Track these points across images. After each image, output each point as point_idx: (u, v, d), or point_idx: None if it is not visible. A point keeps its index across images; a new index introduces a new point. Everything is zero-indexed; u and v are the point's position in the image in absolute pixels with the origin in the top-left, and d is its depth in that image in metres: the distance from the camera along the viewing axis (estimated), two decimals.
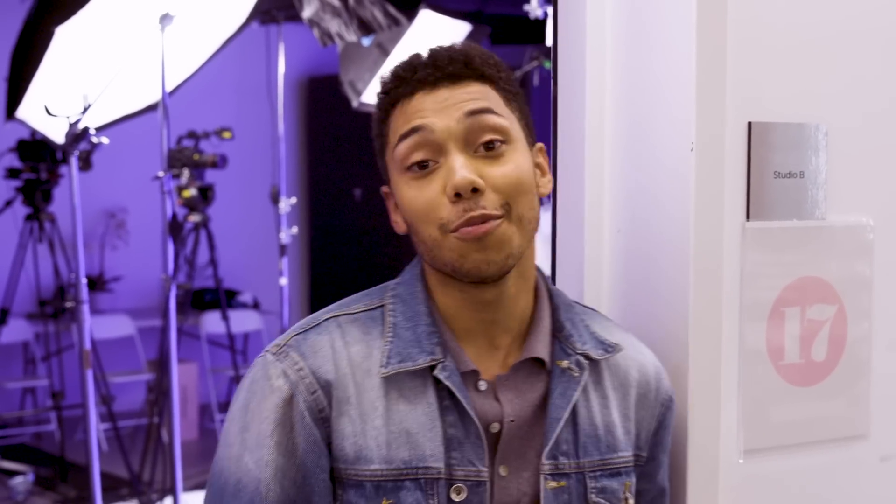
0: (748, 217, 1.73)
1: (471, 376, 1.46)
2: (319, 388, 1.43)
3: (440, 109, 1.42)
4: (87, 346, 4.53)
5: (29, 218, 6.12)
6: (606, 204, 1.81)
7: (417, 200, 1.43)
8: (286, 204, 6.61)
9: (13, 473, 6.05)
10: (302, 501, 1.41)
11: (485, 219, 1.39)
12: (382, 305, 1.51)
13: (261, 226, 7.69)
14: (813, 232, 1.79)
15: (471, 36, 6.26)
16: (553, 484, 1.47)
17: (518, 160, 1.44)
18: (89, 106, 4.43)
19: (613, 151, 1.80)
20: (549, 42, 5.37)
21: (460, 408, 1.44)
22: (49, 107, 4.42)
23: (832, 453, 1.84)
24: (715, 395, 1.68)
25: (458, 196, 1.39)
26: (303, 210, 8.62)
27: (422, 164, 1.42)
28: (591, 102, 1.80)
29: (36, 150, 5.97)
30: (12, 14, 5.35)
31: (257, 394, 1.44)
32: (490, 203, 1.40)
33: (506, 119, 1.45)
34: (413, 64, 1.46)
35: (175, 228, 5.16)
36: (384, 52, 5.81)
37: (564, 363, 1.50)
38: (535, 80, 6.22)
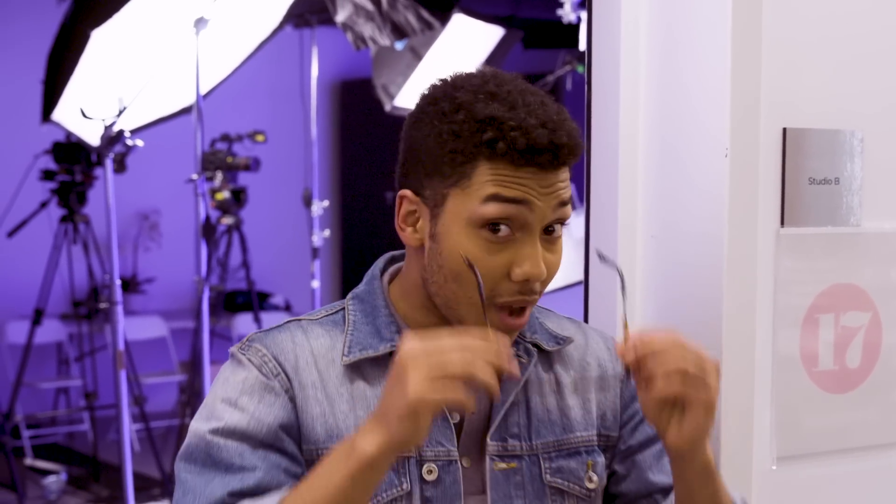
0: (782, 223, 1.73)
1: None
2: (282, 371, 1.46)
3: (544, 193, 1.40)
4: (121, 346, 4.56)
5: (63, 219, 6.16)
6: (640, 210, 1.81)
7: (479, 262, 1.40)
8: (318, 207, 6.63)
9: (46, 473, 6.09)
10: (276, 452, 1.43)
11: (525, 307, 1.44)
12: (343, 308, 1.55)
13: (293, 228, 7.71)
14: (847, 239, 1.78)
15: (503, 40, 6.26)
16: (502, 465, 1.49)
17: (562, 246, 1.47)
18: (124, 108, 4.47)
19: (647, 157, 1.80)
20: (582, 46, 5.37)
21: None
22: (85, 109, 4.45)
23: (866, 461, 1.83)
24: (748, 401, 1.67)
25: (524, 281, 1.41)
26: (335, 213, 8.63)
27: (496, 229, 1.40)
28: (624, 108, 1.80)
29: (71, 152, 6.00)
30: (49, 17, 5.39)
31: (227, 375, 1.49)
32: (538, 290, 1.44)
33: (572, 209, 1.47)
34: (534, 137, 1.38)
35: (208, 231, 5.20)
36: (417, 55, 5.82)
37: (512, 351, 1.51)
38: (568, 85, 6.21)
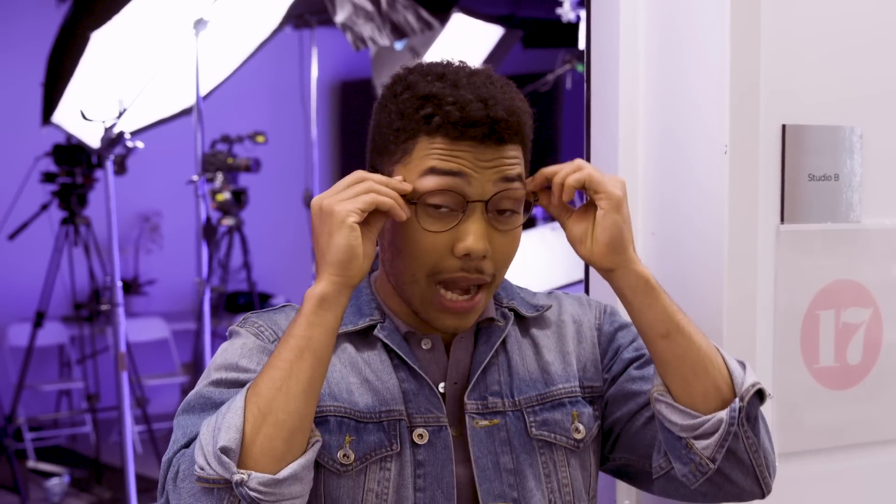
0: (782, 220, 1.73)
1: (412, 337, 1.54)
2: (278, 338, 1.48)
3: (482, 167, 1.43)
4: (123, 348, 4.56)
5: (64, 222, 6.16)
6: (640, 207, 1.81)
7: (418, 237, 1.44)
8: None
9: (49, 475, 6.09)
10: None
11: (471, 288, 1.45)
12: None
13: (294, 229, 7.71)
14: (848, 235, 1.78)
15: (503, 40, 6.26)
16: (484, 423, 1.51)
17: (518, 232, 1.48)
18: (125, 110, 4.47)
19: (647, 154, 1.80)
20: (581, 45, 5.36)
21: (408, 365, 1.51)
22: (85, 111, 4.45)
23: (866, 457, 1.83)
24: None
25: (465, 255, 1.42)
26: None
27: (436, 205, 1.43)
28: (624, 106, 1.80)
29: (71, 155, 6.01)
30: (49, 19, 5.39)
31: (226, 346, 1.53)
32: (487, 269, 1.45)
33: (524, 188, 1.47)
34: (469, 111, 1.42)
35: (209, 232, 5.20)
36: (417, 55, 5.82)
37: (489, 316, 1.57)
38: (568, 84, 6.21)
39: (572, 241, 1.49)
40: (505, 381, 1.55)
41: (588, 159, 1.88)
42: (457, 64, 1.48)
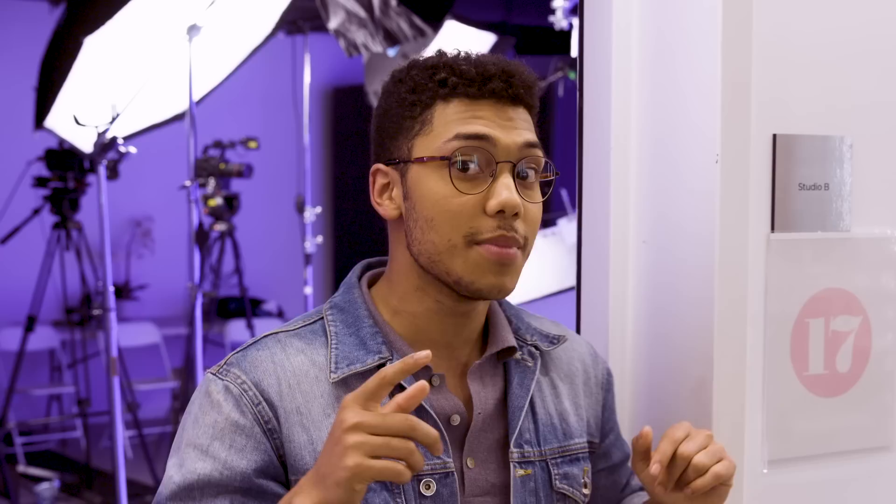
0: (773, 229, 1.74)
1: (422, 372, 1.45)
2: (263, 400, 1.40)
3: (506, 127, 1.42)
4: (114, 353, 4.56)
5: (56, 226, 6.16)
6: (631, 215, 1.82)
7: (450, 201, 1.40)
8: (311, 213, 6.64)
9: (39, 480, 6.08)
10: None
11: (512, 244, 1.41)
12: (321, 318, 1.50)
13: (286, 235, 7.72)
14: (837, 243, 1.79)
15: (496, 47, 6.27)
16: (521, 472, 1.49)
17: (541, 207, 1.47)
18: (117, 115, 4.47)
19: (639, 163, 1.81)
20: (573, 53, 5.38)
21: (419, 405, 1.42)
22: (78, 116, 4.45)
23: (856, 464, 1.84)
24: (739, 405, 1.68)
25: (499, 213, 1.40)
26: (328, 219, 8.64)
27: (465, 167, 1.40)
28: (616, 114, 1.81)
29: (63, 159, 6.01)
30: (42, 24, 5.39)
31: (200, 413, 1.41)
32: (520, 229, 1.42)
33: (544, 156, 1.47)
34: (484, 67, 1.42)
35: (201, 237, 5.19)
36: None
37: (518, 355, 1.53)
38: (560, 91, 6.22)
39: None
40: (532, 429, 1.52)
41: (580, 167, 1.89)
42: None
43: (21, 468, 6.44)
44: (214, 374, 1.44)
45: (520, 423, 1.50)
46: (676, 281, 1.74)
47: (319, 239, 6.74)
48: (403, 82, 1.46)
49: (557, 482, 1.52)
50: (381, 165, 1.49)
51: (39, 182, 6.10)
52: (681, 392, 1.72)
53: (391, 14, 4.92)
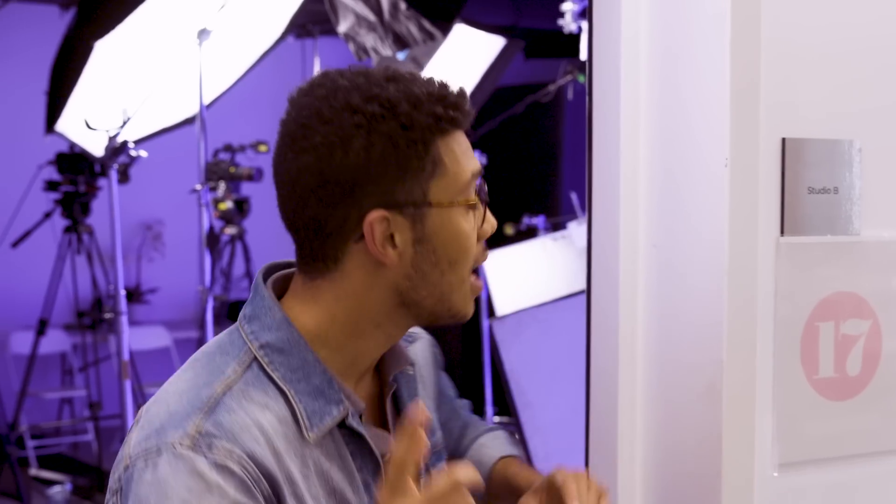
0: (782, 232, 1.74)
1: (351, 407, 1.39)
2: (262, 475, 1.27)
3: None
4: (126, 357, 4.58)
5: (67, 230, 6.18)
6: (641, 219, 1.82)
7: (468, 237, 1.39)
8: None
9: (51, 483, 6.10)
10: None
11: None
12: (254, 359, 1.36)
13: None
14: (847, 247, 1.79)
15: (505, 50, 6.28)
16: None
17: None
18: (128, 119, 4.49)
19: (648, 166, 1.81)
20: (583, 56, 5.38)
21: (362, 449, 1.39)
22: (89, 120, 4.47)
23: (867, 467, 1.84)
24: (749, 408, 1.68)
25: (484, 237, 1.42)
26: None
27: (475, 206, 1.39)
28: (625, 117, 1.81)
29: (74, 163, 6.03)
30: (52, 28, 5.41)
31: (191, 499, 1.23)
32: None
33: None
34: (455, 95, 1.37)
35: (211, 240, 5.21)
36: (419, 65, 5.83)
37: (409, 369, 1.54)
38: (569, 95, 6.22)
39: None
40: None
41: (590, 171, 1.89)
42: (365, 68, 1.38)
43: (33, 471, 6.45)
44: (192, 450, 1.24)
45: (433, 437, 1.52)
46: (686, 284, 1.74)
47: None
48: (382, 120, 1.31)
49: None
50: (383, 213, 1.33)
51: (50, 186, 6.12)
52: (691, 396, 1.72)
53: (401, 18, 4.93)
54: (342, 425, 1.36)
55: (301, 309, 1.38)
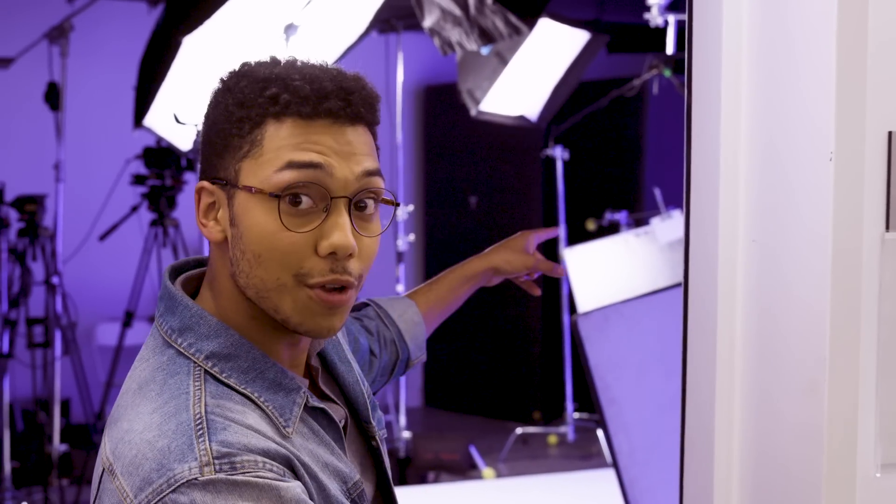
0: (888, 228, 1.71)
1: (296, 393, 1.39)
2: (285, 467, 1.28)
3: (344, 154, 1.34)
4: None
5: (153, 223, 6.26)
6: (741, 213, 1.80)
7: (279, 238, 1.31)
8: (403, 211, 6.66)
9: None
10: None
11: (344, 286, 1.35)
12: (205, 372, 1.34)
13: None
14: None
15: (589, 45, 6.24)
16: (376, 439, 1.53)
17: (379, 229, 1.40)
18: None
19: (749, 160, 1.79)
20: (668, 50, 5.33)
21: (326, 421, 1.40)
22: (178, 115, 4.52)
23: None
24: (852, 408, 1.66)
25: (331, 254, 1.33)
26: (419, 217, 8.67)
27: (296, 201, 1.32)
28: (726, 111, 1.79)
29: (161, 158, 6.11)
30: (140, 24, 5.48)
31: None
32: (353, 270, 1.35)
33: (384, 183, 1.40)
34: (320, 83, 1.33)
35: None
36: (503, 60, 5.82)
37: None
38: (655, 89, 6.18)
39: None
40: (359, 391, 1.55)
41: (688, 165, 1.87)
42: (289, 59, 1.39)
43: None
44: (220, 474, 1.22)
45: (368, 397, 1.52)
46: (788, 281, 1.71)
47: (411, 237, 6.76)
48: (231, 92, 1.35)
49: (380, 431, 1.53)
50: (206, 184, 1.37)
51: (137, 180, 6.21)
52: (792, 393, 1.69)
53: (486, 12, 4.92)
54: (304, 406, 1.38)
55: (216, 304, 1.40)
